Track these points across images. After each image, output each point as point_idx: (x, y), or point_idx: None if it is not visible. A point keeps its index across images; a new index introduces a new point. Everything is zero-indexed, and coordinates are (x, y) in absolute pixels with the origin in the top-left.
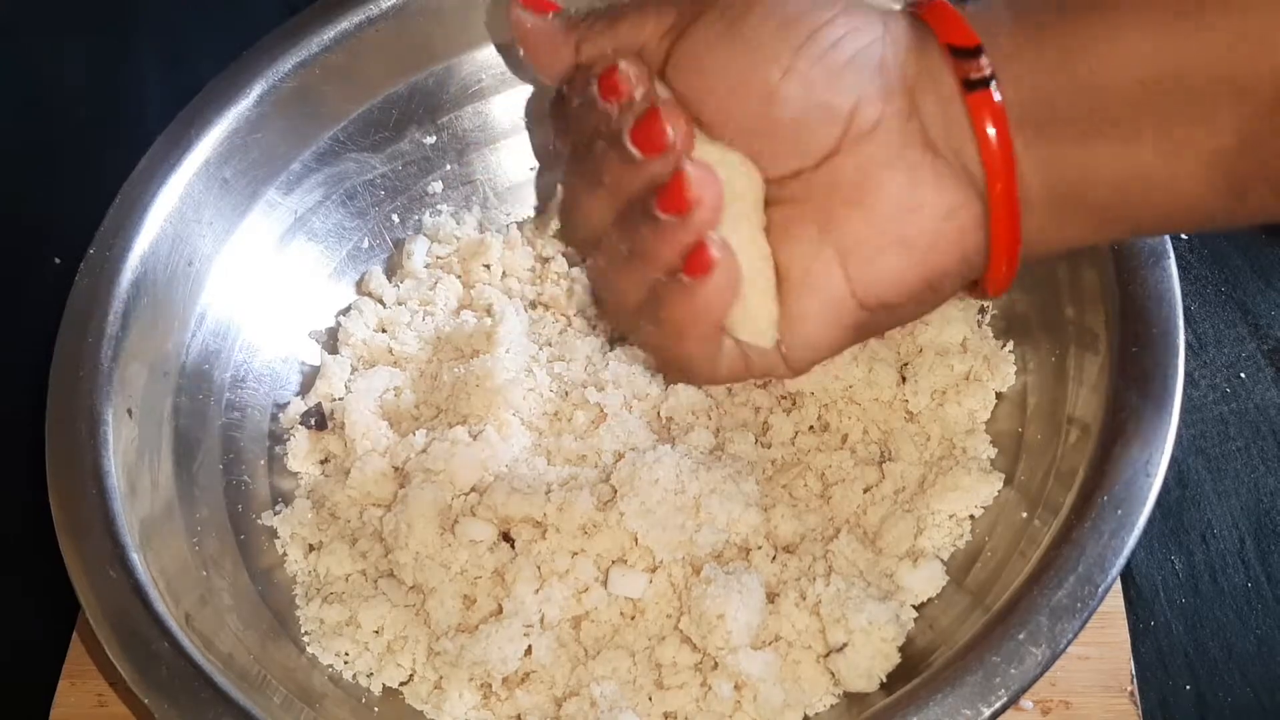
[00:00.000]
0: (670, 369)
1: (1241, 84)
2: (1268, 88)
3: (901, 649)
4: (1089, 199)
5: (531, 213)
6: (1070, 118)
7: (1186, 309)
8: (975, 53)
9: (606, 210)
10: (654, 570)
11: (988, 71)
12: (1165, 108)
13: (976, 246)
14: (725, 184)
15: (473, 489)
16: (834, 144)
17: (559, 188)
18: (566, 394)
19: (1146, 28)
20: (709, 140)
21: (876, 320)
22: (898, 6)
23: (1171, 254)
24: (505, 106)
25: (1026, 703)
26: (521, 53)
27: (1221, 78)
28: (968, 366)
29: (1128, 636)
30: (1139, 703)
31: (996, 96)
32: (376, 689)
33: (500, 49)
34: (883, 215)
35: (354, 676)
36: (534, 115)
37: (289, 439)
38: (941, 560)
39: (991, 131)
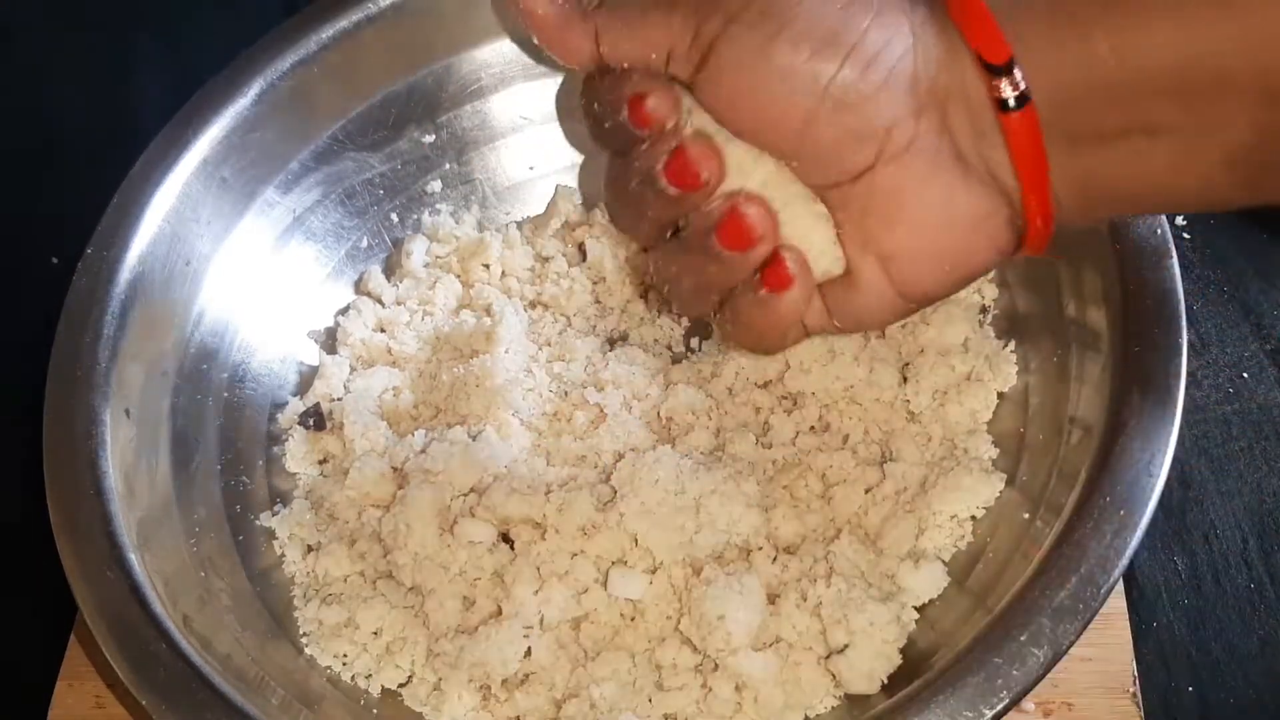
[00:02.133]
0: (745, 347)
1: (1268, 78)
2: None
3: (903, 650)
4: (1112, 195)
5: (531, 212)
6: (1098, 115)
7: (1189, 309)
8: (1008, 69)
9: (655, 230)
10: (654, 571)
11: (1022, 87)
12: (1189, 104)
13: (1009, 241)
14: (769, 169)
15: (472, 490)
16: (869, 162)
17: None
18: (566, 394)
19: (1176, 16)
20: (738, 142)
21: (922, 305)
22: None
23: (1174, 254)
24: (504, 105)
25: (1028, 704)
26: (535, 40)
27: (1248, 70)
28: (969, 366)
29: (1130, 637)
30: (1141, 704)
31: (1030, 109)
32: (375, 690)
33: (517, 40)
34: (918, 230)
35: (352, 678)
36: (564, 108)
37: (287, 439)
38: (943, 561)
39: (1026, 148)
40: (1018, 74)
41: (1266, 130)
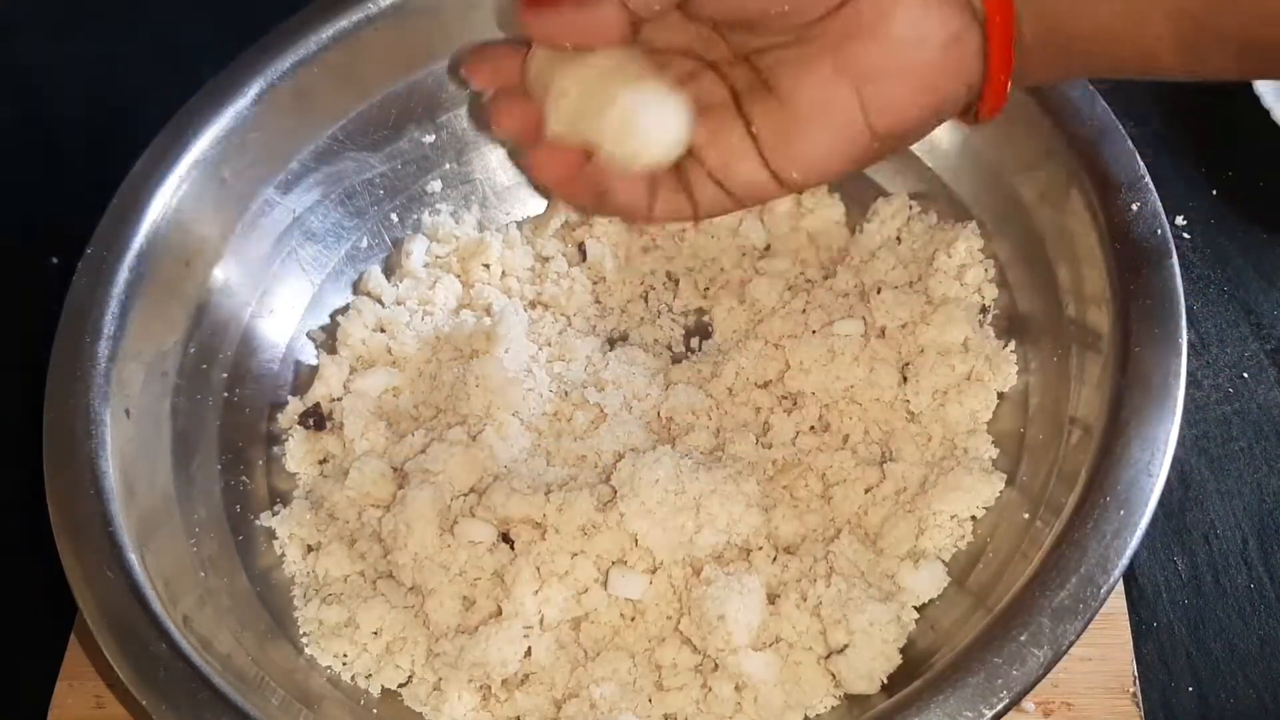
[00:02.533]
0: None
1: None
2: None
3: (903, 650)
4: (1066, 42)
5: (531, 212)
6: None
7: (1189, 309)
8: None
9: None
10: (654, 571)
11: None
12: None
13: (976, 73)
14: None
15: (472, 490)
16: None
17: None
18: (566, 394)
19: None
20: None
21: (883, 149)
22: None
23: (1174, 254)
24: None
25: (1028, 704)
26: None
27: None
28: (969, 366)
29: (1130, 637)
30: (1141, 704)
31: None
32: (375, 690)
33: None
34: (895, 44)
35: (352, 678)
36: None
37: (287, 439)
38: (943, 561)
39: None
40: None
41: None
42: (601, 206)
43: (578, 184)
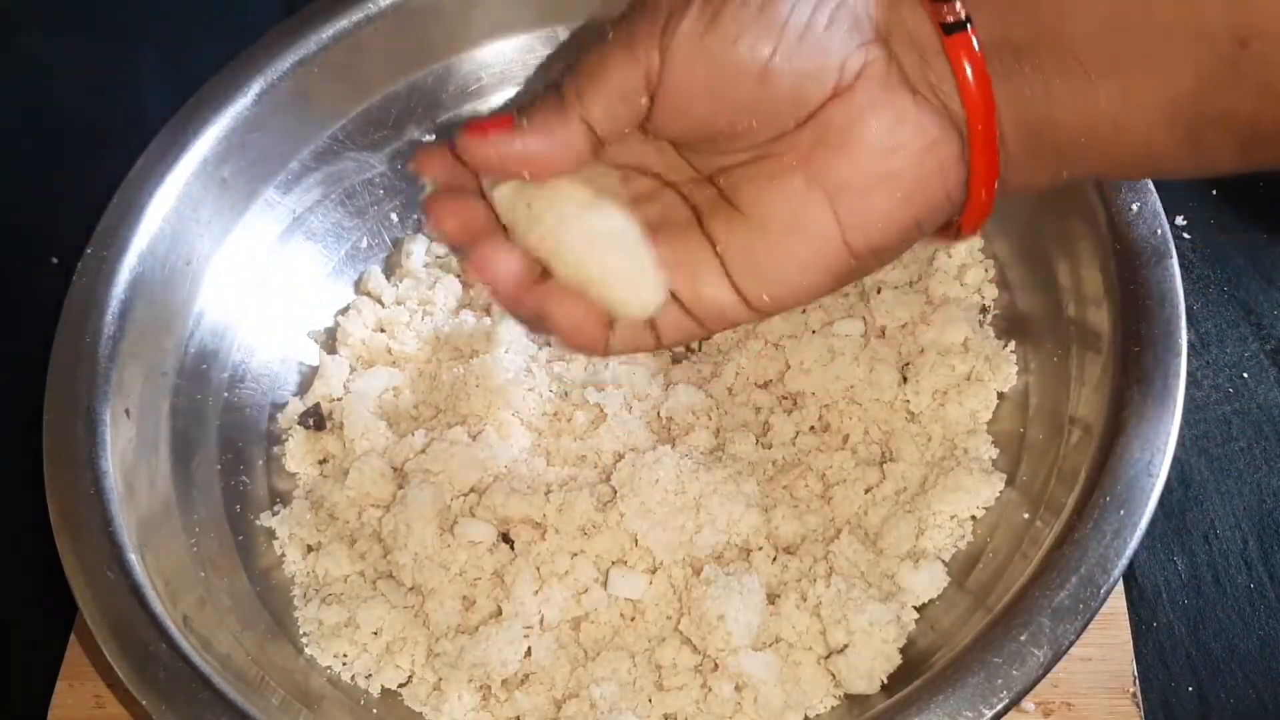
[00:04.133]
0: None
1: (1201, 27)
2: (1225, 31)
3: (903, 650)
4: (1054, 140)
5: None
6: (1037, 58)
7: (1189, 309)
8: None
9: None
10: (654, 571)
11: (963, 14)
12: (1126, 49)
13: (957, 181)
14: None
15: (472, 489)
16: (824, 98)
17: None
18: (566, 394)
19: None
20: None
21: (861, 266)
22: None
23: (1174, 253)
24: (504, 105)
25: (1028, 704)
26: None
27: (1182, 20)
28: (969, 366)
29: (1130, 637)
30: (1141, 704)
31: (974, 38)
32: (375, 690)
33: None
34: (869, 155)
35: (352, 678)
36: None
37: (287, 439)
38: (943, 561)
39: (970, 71)
40: (958, 3)
41: (1204, 78)
42: (544, 329)
43: (525, 300)
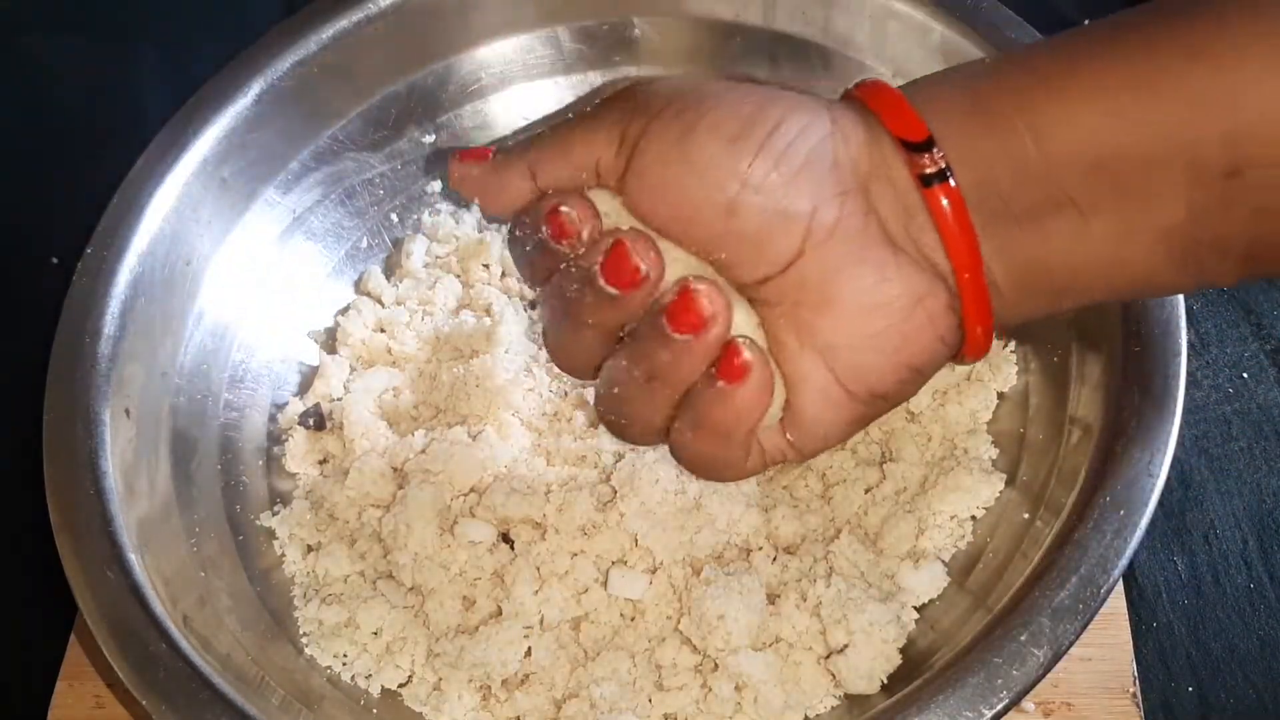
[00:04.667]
0: (703, 470)
1: (1193, 156)
2: (1218, 158)
3: (903, 650)
4: (1050, 279)
5: None
6: (1024, 202)
7: (1189, 308)
8: (927, 145)
9: (599, 345)
10: (654, 571)
11: (943, 164)
12: (1118, 186)
13: (949, 327)
14: (692, 265)
15: (472, 489)
16: (797, 249)
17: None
18: (566, 394)
19: (1099, 103)
20: (669, 243)
21: (875, 407)
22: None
23: None
24: (504, 105)
25: (1028, 704)
26: (476, 202)
27: (1173, 151)
28: (969, 366)
29: (1130, 637)
30: (1141, 704)
31: (953, 184)
32: (375, 690)
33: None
34: (852, 316)
35: (352, 678)
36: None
37: (287, 439)
38: (943, 561)
39: (952, 223)
40: (937, 152)
41: (1198, 208)
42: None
43: None
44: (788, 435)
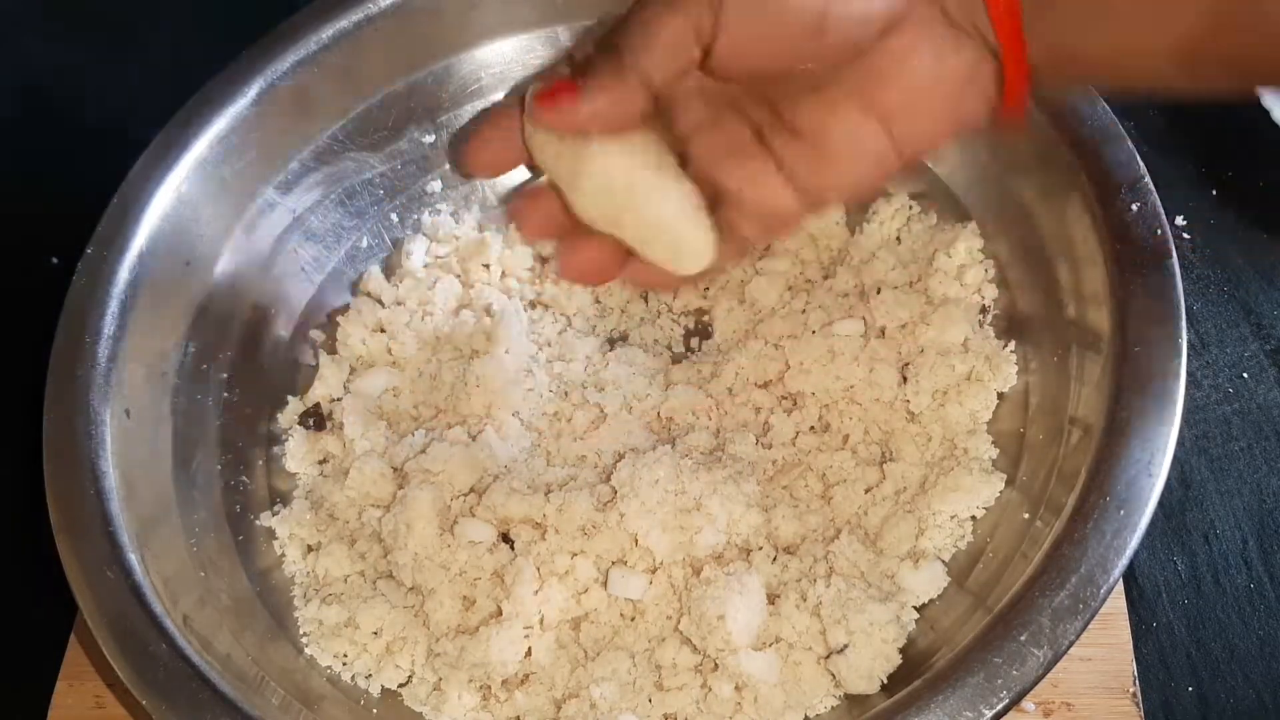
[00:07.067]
0: (756, 231)
1: None
2: None
3: (903, 650)
4: (1074, 66)
5: None
6: (1066, 4)
7: (1189, 309)
8: None
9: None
10: (654, 571)
11: None
12: None
13: (994, 94)
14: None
15: (472, 489)
16: (873, 39)
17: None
18: (566, 394)
19: None
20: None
21: (910, 166)
22: None
23: (1174, 254)
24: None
25: (1028, 704)
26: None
27: None
28: (969, 367)
29: (1130, 637)
30: (1141, 704)
31: None
32: (375, 690)
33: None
34: (916, 83)
35: (352, 678)
36: None
37: (287, 440)
38: (943, 561)
39: (1001, 5)
40: None
41: (1213, 23)
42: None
43: (614, 274)
44: (828, 195)
